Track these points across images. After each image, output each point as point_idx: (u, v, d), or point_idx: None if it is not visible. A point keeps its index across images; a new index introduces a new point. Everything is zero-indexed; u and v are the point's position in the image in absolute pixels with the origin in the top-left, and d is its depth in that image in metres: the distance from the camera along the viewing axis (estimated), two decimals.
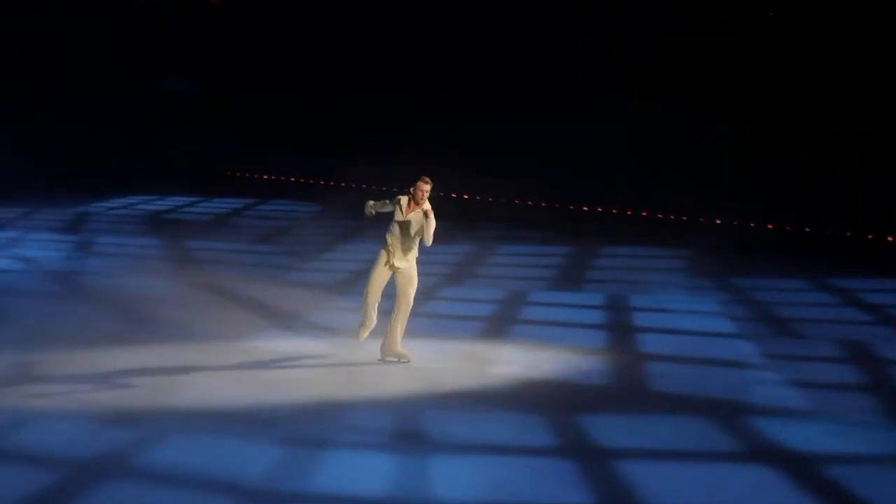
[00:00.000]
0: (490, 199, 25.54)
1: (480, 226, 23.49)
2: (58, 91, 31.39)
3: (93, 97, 31.44)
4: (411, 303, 12.59)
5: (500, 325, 14.78)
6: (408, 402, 11.19)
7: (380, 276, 12.51)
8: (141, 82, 32.54)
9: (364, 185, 27.15)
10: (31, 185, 27.48)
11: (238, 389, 11.49)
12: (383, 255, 12.46)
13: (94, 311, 15.11)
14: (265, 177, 29.80)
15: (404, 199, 12.50)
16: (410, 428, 10.40)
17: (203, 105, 32.39)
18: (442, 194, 25.91)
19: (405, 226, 12.41)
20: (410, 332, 13.01)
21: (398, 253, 12.43)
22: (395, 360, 12.66)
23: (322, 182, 28.19)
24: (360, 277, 17.67)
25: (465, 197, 25.75)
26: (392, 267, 12.44)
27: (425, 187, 12.46)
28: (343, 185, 27.60)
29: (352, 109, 29.42)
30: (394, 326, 12.61)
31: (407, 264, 12.48)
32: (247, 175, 30.34)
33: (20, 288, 16.73)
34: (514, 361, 12.84)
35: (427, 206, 12.42)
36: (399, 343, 12.65)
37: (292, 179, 29.00)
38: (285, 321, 14.62)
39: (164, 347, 13.09)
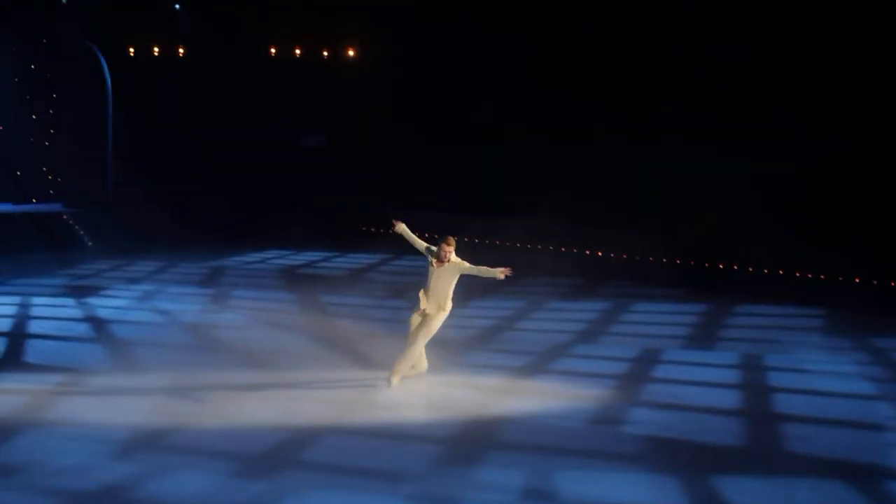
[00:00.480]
0: (624, 255, 25.34)
1: (614, 283, 23.37)
2: (202, 144, 32.00)
3: (235, 151, 31.99)
4: (418, 341, 14.00)
5: (633, 383, 14.61)
6: (538, 458, 11.11)
7: (415, 321, 14.13)
8: (282, 137, 33.04)
9: (497, 241, 27.18)
10: (172, 239, 28.13)
11: (368, 443, 11.52)
12: (419, 302, 14.08)
13: (229, 364, 15.30)
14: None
15: (433, 256, 14.18)
16: (540, 486, 10.32)
17: (339, 161, 32.76)
18: (576, 251, 25.93)
19: (432, 279, 14.09)
20: (543, 389, 13.16)
21: (427, 301, 14.06)
22: (385, 382, 13.88)
23: (466, 239, 28.27)
24: (493, 333, 17.74)
25: (599, 254, 25.61)
26: (423, 313, 14.03)
27: (447, 248, 14.06)
28: (476, 240, 27.64)
29: (482, 166, 29.51)
30: (404, 355, 14.00)
31: (433, 312, 14.02)
32: (381, 231, 30.58)
33: (157, 340, 17.02)
34: (646, 420, 12.69)
35: (455, 259, 14.15)
36: (400, 372, 13.95)
37: (426, 235, 29.10)
38: (416, 376, 14.62)
39: (297, 401, 13.20)
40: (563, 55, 27.93)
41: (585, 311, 20.06)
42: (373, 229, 30.78)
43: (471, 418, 12.58)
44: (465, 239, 27.80)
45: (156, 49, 32.53)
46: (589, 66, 27.41)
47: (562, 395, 13.73)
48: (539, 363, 15.61)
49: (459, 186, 29.83)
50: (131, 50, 32.33)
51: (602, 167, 26.17)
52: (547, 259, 25.91)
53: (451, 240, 14.21)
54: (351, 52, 33.86)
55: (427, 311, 14.04)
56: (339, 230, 30.62)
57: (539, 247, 26.46)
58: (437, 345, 16.63)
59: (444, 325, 17.40)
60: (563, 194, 26.34)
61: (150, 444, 11.39)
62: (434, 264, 14.16)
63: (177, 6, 32.17)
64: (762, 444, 11.96)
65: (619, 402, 13.50)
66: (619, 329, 18.72)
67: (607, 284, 23.18)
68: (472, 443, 11.68)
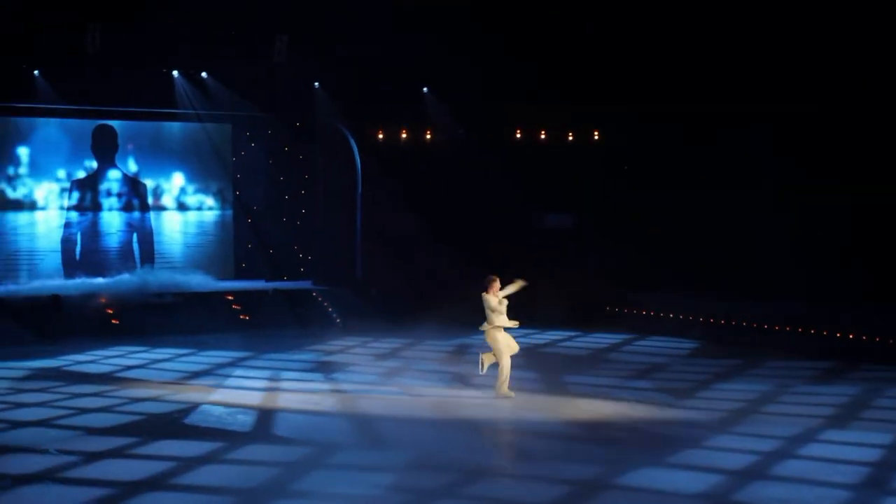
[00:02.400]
0: (877, 338, 24.46)
1: (864, 365, 22.59)
2: (447, 225, 32.47)
3: (481, 231, 32.36)
4: (500, 356, 18.77)
5: (886, 470, 14.06)
6: None
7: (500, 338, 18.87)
8: (526, 219, 33.32)
9: (744, 322, 26.67)
10: (418, 316, 28.55)
11: None
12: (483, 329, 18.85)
13: (471, 442, 15.37)
14: (643, 312, 29.75)
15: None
16: None
17: (582, 241, 32.84)
18: (825, 333, 25.17)
19: (485, 308, 18.73)
20: (792, 474, 13.22)
21: (485, 324, 18.81)
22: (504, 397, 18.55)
23: (700, 319, 27.87)
24: (739, 416, 17.35)
25: (850, 336, 24.81)
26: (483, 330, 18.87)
27: (491, 285, 18.77)
28: (721, 322, 27.20)
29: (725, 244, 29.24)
30: (500, 371, 18.83)
31: (486, 331, 18.80)
32: (625, 311, 30.40)
33: (402, 416, 17.25)
34: None
35: (499, 293, 18.70)
36: (503, 386, 18.78)
37: (671, 315, 28.82)
38: (663, 458, 14.41)
39: (539, 483, 13.13)
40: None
41: (835, 395, 19.42)
42: (616, 309, 30.63)
43: (709, 502, 12.30)
44: (710, 320, 27.50)
45: (404, 133, 33.26)
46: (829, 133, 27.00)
47: (811, 482, 13.30)
48: (787, 448, 15.17)
49: (700, 267, 29.56)
50: (380, 134, 33.12)
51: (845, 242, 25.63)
52: (794, 340, 25.28)
53: (492, 277, 18.85)
54: (596, 135, 34.06)
55: (482, 329, 18.84)
56: (582, 310, 30.54)
57: (787, 328, 25.82)
58: (682, 425, 16.42)
59: (686, 407, 17.26)
60: (812, 272, 25.87)
61: None
62: (488, 299, 18.67)
63: (425, 89, 32.86)
64: None
65: (871, 490, 13.01)
66: (872, 414, 18.04)
67: (858, 367, 22.42)
68: None
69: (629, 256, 31.66)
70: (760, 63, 28.53)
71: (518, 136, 33.87)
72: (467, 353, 24.57)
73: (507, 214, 32.74)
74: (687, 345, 26.36)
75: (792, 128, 27.82)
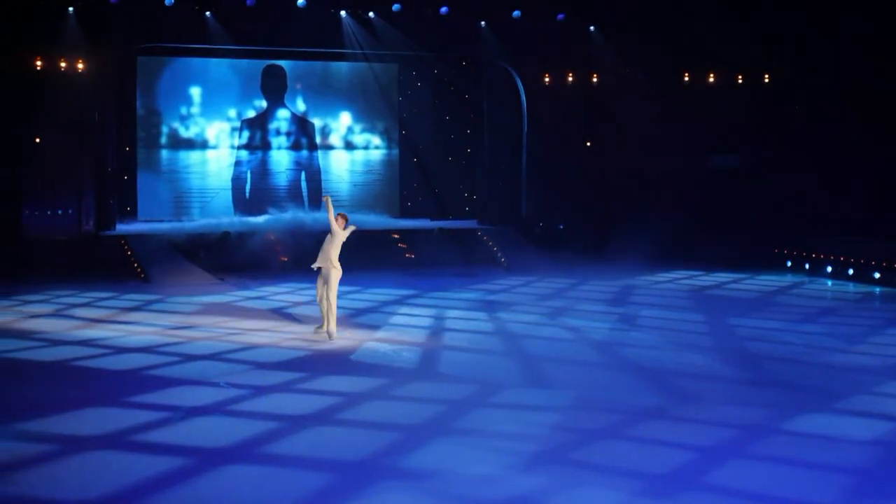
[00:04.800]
0: None
1: None
2: (613, 165, 32.31)
3: (647, 172, 32.13)
4: (334, 294, 18.02)
5: None
6: None
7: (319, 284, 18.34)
8: (693, 159, 32.93)
9: None
10: (584, 257, 28.51)
11: (776, 476, 11.14)
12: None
13: (635, 384, 15.27)
14: (814, 255, 29.16)
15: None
16: None
17: (754, 182, 32.33)
18: None
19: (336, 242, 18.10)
20: None
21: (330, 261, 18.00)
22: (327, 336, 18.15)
23: (873, 262, 27.20)
24: None
25: None
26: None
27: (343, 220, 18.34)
28: (895, 266, 26.51)
29: None
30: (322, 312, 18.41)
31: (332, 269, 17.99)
32: (794, 253, 29.84)
33: (565, 356, 17.21)
34: None
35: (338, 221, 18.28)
36: (327, 324, 18.19)
37: (840, 259, 28.19)
38: (831, 403, 14.12)
39: (703, 426, 12.96)
40: None
41: None
42: (786, 251, 30.09)
43: (882, 449, 12.03)
44: (884, 264, 26.81)
45: (570, 74, 33.03)
46: None
47: None
48: None
49: (875, 209, 28.94)
50: (546, 75, 32.96)
51: None
52: None
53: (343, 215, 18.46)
54: (766, 78, 33.45)
55: (313, 266, 18.20)
56: (749, 251, 30.10)
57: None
58: (850, 371, 16.06)
59: (856, 353, 16.89)
60: None
61: (556, 458, 11.48)
62: (334, 232, 17.99)
63: (591, 28, 32.54)
64: None
65: None
66: None
67: None
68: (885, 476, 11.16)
69: (798, 198, 31.11)
70: None
71: (686, 78, 33.42)
72: (632, 294, 24.42)
73: (674, 155, 32.37)
74: (858, 289, 25.83)
75: None
